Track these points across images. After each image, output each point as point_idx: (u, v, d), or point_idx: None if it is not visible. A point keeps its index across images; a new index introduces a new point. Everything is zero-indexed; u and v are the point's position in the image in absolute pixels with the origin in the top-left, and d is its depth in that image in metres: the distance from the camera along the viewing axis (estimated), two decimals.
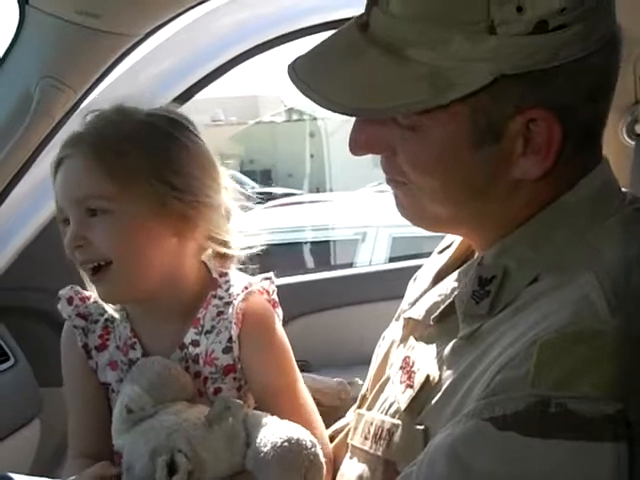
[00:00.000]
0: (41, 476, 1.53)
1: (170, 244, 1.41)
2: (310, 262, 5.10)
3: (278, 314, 1.49)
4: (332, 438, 1.44)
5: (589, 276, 0.97)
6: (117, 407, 1.36)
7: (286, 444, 1.27)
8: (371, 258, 4.76)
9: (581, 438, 0.85)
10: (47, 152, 2.01)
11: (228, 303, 1.43)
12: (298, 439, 1.28)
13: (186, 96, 2.29)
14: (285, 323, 2.45)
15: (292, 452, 1.27)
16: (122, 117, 1.41)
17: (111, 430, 1.36)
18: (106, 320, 1.49)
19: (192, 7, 1.86)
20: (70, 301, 1.50)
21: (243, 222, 1.50)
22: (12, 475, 1.43)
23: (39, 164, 2.06)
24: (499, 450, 0.88)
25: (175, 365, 1.40)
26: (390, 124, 1.06)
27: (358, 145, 1.10)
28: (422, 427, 1.06)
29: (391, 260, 4.55)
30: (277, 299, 1.48)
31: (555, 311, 0.94)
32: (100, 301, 1.47)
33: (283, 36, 2.34)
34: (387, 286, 2.52)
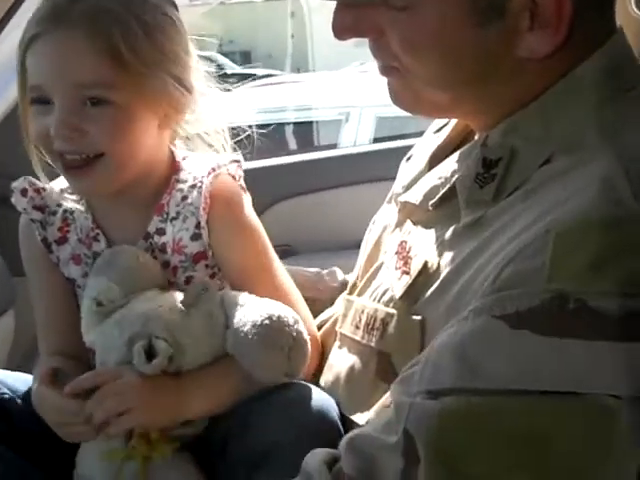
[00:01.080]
0: (17, 368, 1.48)
1: (154, 132, 1.32)
2: (293, 143, 5.04)
3: (246, 198, 1.39)
4: (319, 328, 1.37)
5: (610, 156, 0.88)
6: (85, 301, 1.29)
7: (267, 321, 1.19)
8: (355, 139, 4.70)
9: (604, 338, 0.78)
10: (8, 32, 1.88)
11: (193, 186, 1.33)
12: (279, 316, 1.20)
13: None
14: (268, 206, 2.46)
15: (273, 329, 1.20)
16: None
17: (81, 326, 1.29)
18: (65, 211, 1.39)
19: None
20: (24, 193, 1.39)
21: (217, 103, 1.40)
22: None
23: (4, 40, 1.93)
24: (511, 350, 0.81)
25: (143, 253, 1.32)
26: (378, 5, 0.96)
27: (343, 28, 1.01)
28: (419, 317, 0.99)
29: (376, 140, 4.47)
30: (244, 184, 1.38)
31: (572, 195, 0.85)
32: (66, 193, 1.39)
33: None
34: (372, 168, 2.53)
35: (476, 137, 1.08)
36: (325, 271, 1.53)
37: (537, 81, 0.97)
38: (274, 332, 1.19)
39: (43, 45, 1.25)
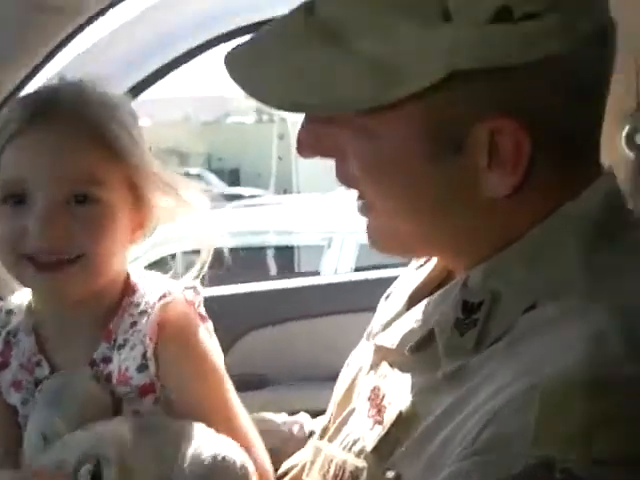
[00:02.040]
0: None
1: (125, 242, 1.27)
2: (273, 268, 5.04)
3: (207, 327, 1.32)
4: (285, 474, 1.30)
5: (601, 309, 0.82)
6: (30, 435, 1.21)
7: (209, 462, 1.14)
8: (337, 266, 4.70)
9: None
10: None
11: (143, 312, 1.25)
12: (224, 457, 1.16)
13: (142, 87, 2.17)
14: (244, 333, 2.42)
15: (215, 472, 1.14)
16: (96, 92, 1.26)
17: (22, 452, 1.22)
18: (8, 333, 1.32)
19: None
20: None
21: (197, 223, 1.35)
22: None
23: None
24: None
25: (94, 384, 1.23)
26: (340, 124, 0.93)
27: (304, 146, 0.97)
28: (392, 474, 0.92)
29: (357, 269, 4.47)
30: (203, 312, 1.31)
31: (559, 349, 0.80)
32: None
33: (248, 26, 2.19)
34: (353, 298, 2.51)
35: (457, 277, 1.02)
36: (292, 418, 1.47)
37: (510, 221, 0.92)
38: (216, 474, 1.15)
39: (28, 138, 1.20)
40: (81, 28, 1.76)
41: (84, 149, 1.20)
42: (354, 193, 1.00)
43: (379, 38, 0.86)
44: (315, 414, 1.46)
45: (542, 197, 0.91)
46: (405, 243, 1.00)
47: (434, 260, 1.11)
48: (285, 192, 10.53)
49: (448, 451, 0.83)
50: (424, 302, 1.03)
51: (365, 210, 0.99)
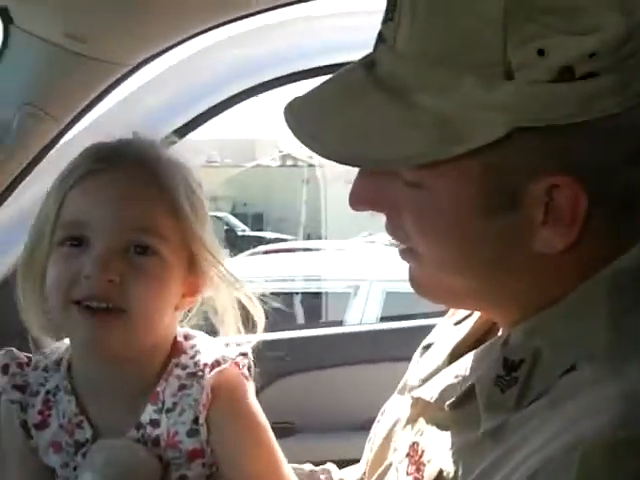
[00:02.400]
0: None
1: (174, 304, 1.25)
2: (301, 315, 5.03)
3: (250, 387, 1.28)
4: None
5: (633, 369, 0.82)
6: None
7: None
8: (362, 315, 4.69)
9: None
10: (22, 188, 1.88)
11: (192, 374, 1.23)
12: None
13: (182, 132, 2.18)
14: (272, 381, 2.41)
15: None
16: (168, 151, 1.28)
17: None
18: (47, 392, 1.28)
19: (188, 39, 1.78)
20: (5, 370, 1.29)
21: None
22: None
23: (16, 198, 1.92)
24: None
25: (143, 450, 1.21)
26: (394, 179, 0.94)
27: (358, 200, 0.98)
28: None
29: (383, 318, 4.46)
30: (247, 373, 1.27)
31: (598, 409, 0.79)
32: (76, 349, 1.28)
33: (283, 77, 2.25)
34: (380, 347, 2.53)
35: (499, 333, 1.02)
36: (319, 468, 1.45)
37: (558, 278, 0.92)
38: None
39: (97, 183, 1.20)
40: (122, 79, 1.78)
41: (149, 201, 1.20)
42: (399, 251, 1.01)
43: (441, 94, 0.87)
44: (341, 463, 1.45)
45: (592, 253, 0.91)
46: (450, 294, 1.00)
47: (474, 316, 1.12)
48: (310, 237, 10.55)
49: None
50: (464, 358, 1.03)
51: (410, 257, 0.99)
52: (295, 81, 2.26)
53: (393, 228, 0.98)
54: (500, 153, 0.86)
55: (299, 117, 0.96)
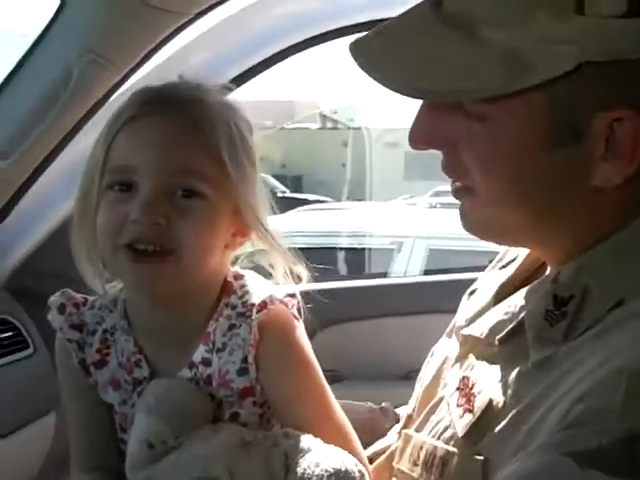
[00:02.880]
0: (52, 476, 1.44)
1: (223, 245, 1.25)
2: (344, 269, 5.02)
3: (300, 327, 1.29)
4: (371, 460, 1.31)
5: None
6: (133, 442, 1.20)
7: (333, 478, 1.13)
8: (406, 269, 4.69)
9: None
10: (84, 133, 1.92)
11: (241, 314, 1.24)
12: (346, 471, 1.14)
13: (235, 84, 2.17)
14: (317, 330, 2.44)
15: None
16: (216, 94, 1.27)
17: (126, 462, 1.21)
18: (105, 331, 1.30)
19: None
20: (62, 309, 1.31)
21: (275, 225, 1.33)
22: None
23: (74, 145, 1.97)
24: None
25: (195, 388, 1.24)
26: (456, 114, 0.96)
27: (419, 136, 1.00)
28: (482, 457, 0.95)
29: (426, 273, 4.45)
30: (297, 314, 1.28)
31: None
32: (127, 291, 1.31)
33: (338, 30, 2.25)
34: (422, 299, 2.55)
35: (547, 272, 1.05)
36: (377, 407, 1.48)
37: (613, 213, 0.95)
38: None
39: (143, 127, 1.20)
40: (180, 29, 1.81)
41: (194, 144, 1.20)
42: (452, 189, 1.03)
43: (511, 28, 0.89)
44: None
45: None
46: (504, 232, 1.03)
47: (520, 258, 1.15)
48: (349, 199, 10.51)
49: (537, 435, 0.86)
50: (513, 296, 1.06)
51: (464, 193, 1.01)
52: (344, 36, 2.25)
53: (451, 165, 1.00)
54: (567, 87, 0.88)
55: (364, 51, 0.98)
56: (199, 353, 1.24)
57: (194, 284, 1.24)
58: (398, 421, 1.28)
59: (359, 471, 1.15)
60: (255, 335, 1.22)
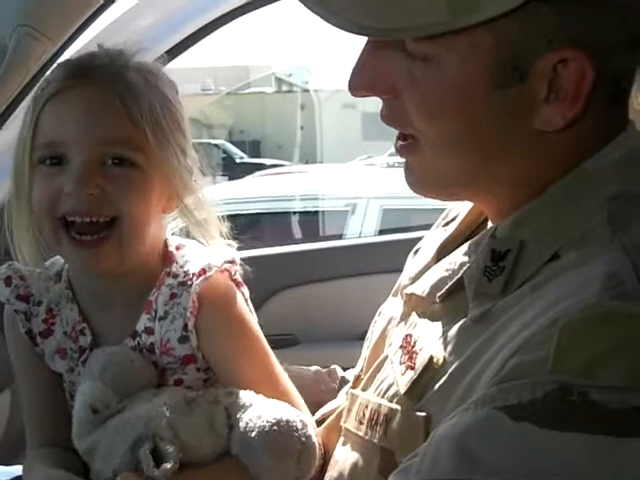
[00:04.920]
0: (8, 455, 1.44)
1: (160, 210, 1.28)
2: (298, 232, 5.04)
3: (243, 293, 1.33)
4: (322, 421, 1.33)
5: (617, 251, 0.86)
6: (78, 408, 1.23)
7: (275, 427, 1.15)
8: (361, 230, 4.71)
9: (606, 432, 0.75)
10: (21, 109, 1.89)
11: (182, 284, 1.27)
12: (287, 421, 1.17)
13: (173, 53, 2.18)
14: (271, 295, 2.46)
15: (282, 435, 1.16)
16: (135, 59, 1.28)
17: (72, 426, 1.24)
18: (50, 301, 1.34)
19: None
20: (8, 282, 1.34)
21: (214, 191, 1.36)
22: None
23: (13, 121, 1.93)
24: (512, 443, 0.78)
25: (137, 355, 1.26)
26: (398, 56, 0.94)
27: (359, 82, 0.99)
28: (423, 414, 0.96)
29: (381, 233, 4.47)
30: (240, 279, 1.31)
31: (578, 289, 0.84)
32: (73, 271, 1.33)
33: None
34: (378, 259, 2.55)
35: (487, 228, 1.06)
36: (325, 370, 1.50)
37: (552, 160, 0.95)
38: (283, 439, 1.16)
39: (67, 100, 1.22)
40: None
41: (119, 113, 1.21)
42: (396, 144, 1.02)
43: None
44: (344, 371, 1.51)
45: (584, 138, 0.94)
46: (446, 183, 1.02)
47: (461, 216, 1.16)
48: (307, 162, 10.50)
49: (476, 389, 0.87)
50: (453, 253, 1.07)
51: (410, 150, 1.01)
52: None
53: (393, 113, 0.99)
54: (514, 24, 0.87)
55: None
56: (142, 322, 1.27)
57: (136, 254, 1.26)
58: (346, 382, 1.29)
59: (301, 420, 1.18)
60: (195, 303, 1.24)
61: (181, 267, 1.29)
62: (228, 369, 1.27)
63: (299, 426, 1.17)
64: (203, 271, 1.26)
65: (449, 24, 0.88)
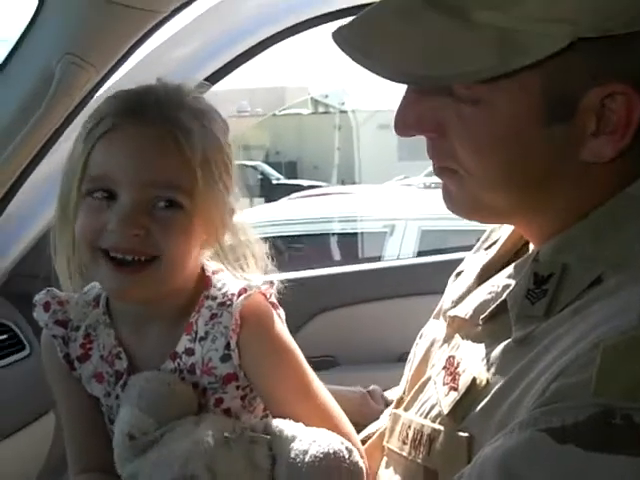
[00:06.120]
0: (53, 475, 1.45)
1: (198, 247, 1.30)
2: (337, 254, 5.04)
3: (279, 314, 1.33)
4: (364, 442, 1.34)
5: None
6: (117, 434, 1.23)
7: (324, 462, 1.15)
8: (399, 252, 4.70)
9: None
10: (67, 135, 1.93)
11: (222, 304, 1.29)
12: (334, 452, 1.16)
13: (213, 79, 2.20)
14: (311, 317, 2.46)
15: (331, 469, 1.16)
16: (192, 97, 1.28)
17: (113, 448, 1.24)
18: (88, 327, 1.35)
19: None
20: (47, 307, 1.35)
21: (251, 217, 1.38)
22: None
23: (59, 147, 1.97)
24: (556, 465, 0.78)
25: (174, 379, 1.27)
26: (444, 99, 0.96)
27: (406, 123, 1.00)
28: (466, 434, 0.97)
29: (420, 254, 4.47)
30: (276, 301, 1.33)
31: (620, 312, 0.84)
32: (112, 298, 1.35)
33: (316, 18, 2.25)
34: (417, 281, 2.56)
35: (530, 251, 1.07)
36: (366, 390, 1.50)
37: (598, 190, 0.96)
38: (332, 471, 1.16)
39: (122, 137, 1.21)
40: (156, 27, 1.81)
41: (174, 155, 1.21)
42: (433, 162, 1.03)
43: (502, 10, 0.89)
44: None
45: (629, 165, 0.95)
46: (491, 212, 1.03)
47: (503, 239, 1.16)
48: (344, 182, 10.52)
49: (519, 410, 0.88)
50: (496, 276, 1.08)
51: (449, 175, 1.01)
52: (328, 21, 2.25)
53: (438, 151, 1.01)
54: (560, 64, 0.89)
55: (353, 40, 0.96)
56: (182, 343, 1.29)
57: (173, 287, 1.28)
58: (388, 404, 1.30)
59: (347, 448, 1.18)
60: (237, 321, 1.26)
61: (219, 290, 1.31)
62: (269, 385, 1.29)
63: (346, 455, 1.17)
64: (244, 290, 1.28)
65: (499, 68, 0.90)
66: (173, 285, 1.27)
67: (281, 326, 1.31)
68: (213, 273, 1.34)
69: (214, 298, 1.30)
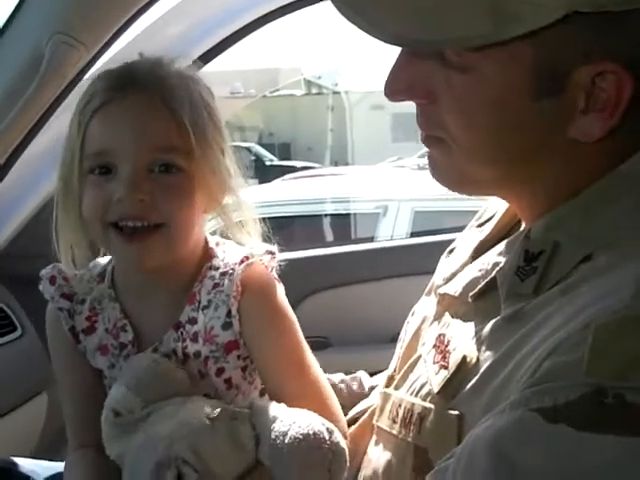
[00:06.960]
0: (47, 452, 1.46)
1: (202, 213, 1.33)
2: (330, 235, 5.05)
3: (280, 286, 1.35)
4: (355, 420, 1.35)
5: None
6: (104, 410, 1.25)
7: (304, 443, 1.15)
8: (392, 232, 4.70)
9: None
10: (58, 115, 1.92)
11: (224, 274, 1.31)
12: (314, 433, 1.16)
13: (206, 58, 2.19)
14: (304, 298, 2.47)
15: (312, 449, 1.16)
16: (174, 66, 1.31)
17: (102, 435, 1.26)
18: (93, 300, 1.38)
19: None
20: (52, 281, 1.38)
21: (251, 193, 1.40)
22: (15, 459, 1.35)
23: (50, 126, 1.97)
24: (548, 445, 0.78)
25: (163, 360, 1.29)
26: (436, 64, 0.95)
27: (396, 87, 1.00)
28: (456, 412, 0.97)
29: (413, 235, 4.46)
30: (277, 276, 1.34)
31: (612, 291, 0.84)
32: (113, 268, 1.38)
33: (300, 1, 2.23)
34: (409, 261, 2.57)
35: (521, 229, 1.07)
36: (349, 377, 1.51)
37: (587, 168, 0.96)
38: (313, 451, 1.16)
39: (114, 110, 1.25)
40: (148, 6, 1.80)
41: (163, 120, 1.24)
42: (421, 130, 1.02)
43: None
44: (373, 374, 1.51)
45: (620, 147, 0.94)
46: (477, 184, 1.03)
47: (497, 217, 1.16)
48: (337, 164, 10.51)
49: (509, 389, 0.88)
50: (487, 254, 1.08)
51: (437, 145, 1.01)
52: (312, 3, 2.24)
53: (427, 118, 1.00)
54: (553, 37, 0.88)
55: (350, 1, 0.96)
56: (185, 313, 1.31)
57: (181, 252, 1.30)
58: (372, 389, 1.30)
59: (327, 429, 1.18)
60: (238, 288, 1.28)
61: (222, 260, 1.33)
62: (266, 356, 1.30)
63: (326, 436, 1.17)
64: (246, 258, 1.30)
65: (492, 36, 0.89)
66: (181, 252, 1.30)
67: (282, 296, 1.33)
68: (216, 245, 1.37)
69: (217, 268, 1.32)
